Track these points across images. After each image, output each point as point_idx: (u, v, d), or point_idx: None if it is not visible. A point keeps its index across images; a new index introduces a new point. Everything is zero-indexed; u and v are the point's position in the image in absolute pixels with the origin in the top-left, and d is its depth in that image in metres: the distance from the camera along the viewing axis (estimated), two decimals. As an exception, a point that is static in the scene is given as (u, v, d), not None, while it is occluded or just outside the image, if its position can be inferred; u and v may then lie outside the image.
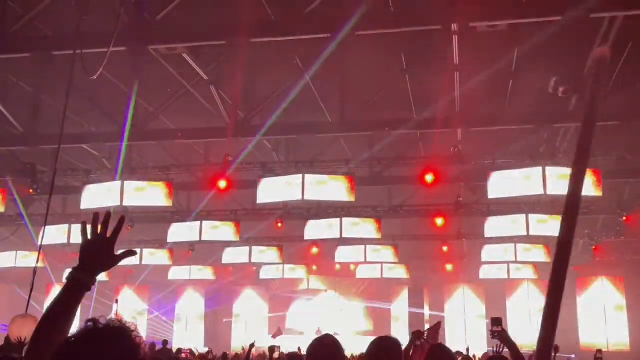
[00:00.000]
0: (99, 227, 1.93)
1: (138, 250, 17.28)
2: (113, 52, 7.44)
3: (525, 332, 22.85)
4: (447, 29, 7.67)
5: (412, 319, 23.00)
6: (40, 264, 20.04)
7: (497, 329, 4.56)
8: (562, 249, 1.61)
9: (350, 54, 8.83)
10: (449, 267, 21.59)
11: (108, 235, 1.94)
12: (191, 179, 14.37)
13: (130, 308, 24.23)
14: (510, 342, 4.46)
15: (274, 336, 14.78)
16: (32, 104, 10.25)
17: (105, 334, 1.62)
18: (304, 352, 4.03)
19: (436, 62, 9.05)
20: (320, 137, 11.89)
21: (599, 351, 9.82)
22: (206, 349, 10.97)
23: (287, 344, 15.92)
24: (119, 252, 1.94)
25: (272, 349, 10.00)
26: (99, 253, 1.90)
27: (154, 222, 16.78)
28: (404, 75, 9.60)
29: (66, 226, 16.14)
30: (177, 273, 23.18)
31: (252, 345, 9.87)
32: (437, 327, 5.96)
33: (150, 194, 13.20)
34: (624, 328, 21.77)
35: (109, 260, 1.91)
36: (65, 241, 16.32)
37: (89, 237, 1.90)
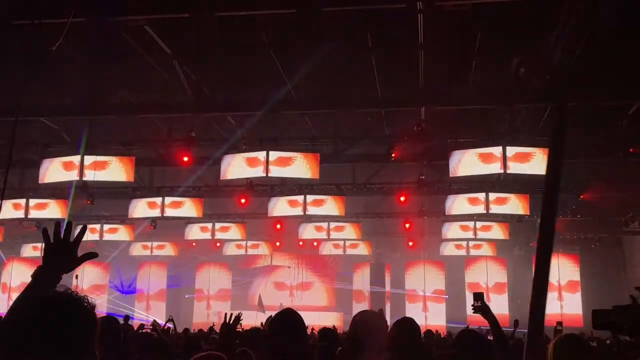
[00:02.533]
0: (61, 234, 2.04)
1: (98, 226, 17.17)
2: (73, 23, 7.28)
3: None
4: (413, 8, 7.71)
5: (374, 296, 23.32)
6: (-4, 239, 19.73)
7: (478, 303, 4.70)
8: (544, 226, 1.68)
9: (317, 30, 8.79)
10: (410, 244, 21.90)
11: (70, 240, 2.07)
12: (153, 155, 14.21)
13: (89, 283, 23.99)
14: (491, 316, 4.59)
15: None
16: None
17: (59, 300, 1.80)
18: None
19: (401, 41, 9.09)
20: (285, 113, 11.86)
21: (559, 323, 10.11)
22: (169, 321, 10.86)
23: (249, 320, 15.99)
24: (81, 254, 2.06)
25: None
26: (62, 256, 2.02)
27: (115, 197, 16.57)
28: (370, 54, 9.61)
29: (23, 200, 15.84)
30: (139, 249, 23.01)
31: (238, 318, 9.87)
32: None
33: (111, 169, 13.06)
34: (577, 303, 22.51)
35: (71, 263, 2.03)
36: (23, 216, 16.02)
37: (51, 241, 2.02)
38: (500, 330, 4.55)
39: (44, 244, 2.03)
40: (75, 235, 2.07)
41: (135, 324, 14.76)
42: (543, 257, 1.71)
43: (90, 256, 2.07)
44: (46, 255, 2.00)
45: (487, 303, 4.74)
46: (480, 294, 4.89)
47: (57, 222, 2.10)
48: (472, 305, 4.73)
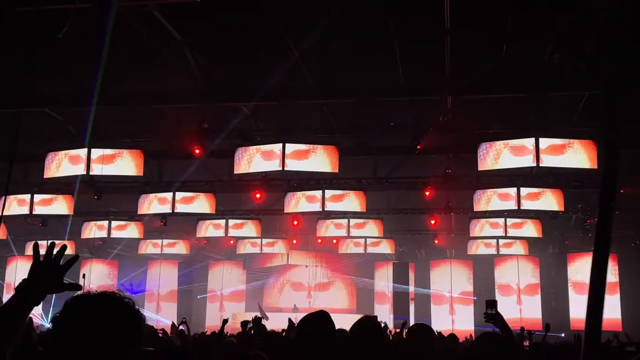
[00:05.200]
0: (53, 254, 2.11)
1: (106, 223, 17.30)
2: (79, 9, 7.36)
3: (512, 311, 23.32)
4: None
5: (396, 296, 23.32)
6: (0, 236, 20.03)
7: (492, 311, 4.67)
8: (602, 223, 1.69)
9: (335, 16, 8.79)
10: (436, 243, 21.83)
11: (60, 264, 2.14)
12: (163, 147, 14.31)
13: (97, 282, 24.26)
14: (504, 326, 4.56)
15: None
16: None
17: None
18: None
19: (426, 25, 9.04)
20: (302, 103, 11.87)
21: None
22: (182, 323, 10.93)
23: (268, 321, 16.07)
24: (67, 282, 2.13)
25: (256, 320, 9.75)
26: (48, 277, 2.09)
27: (124, 192, 16.72)
28: (392, 40, 9.58)
29: (28, 196, 16.05)
30: (148, 247, 23.21)
31: (225, 321, 9.95)
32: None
33: (119, 163, 13.18)
34: (615, 306, 22.23)
35: (54, 287, 2.09)
36: (27, 212, 16.24)
37: (41, 259, 2.09)
38: (514, 339, 4.56)
39: (32, 260, 2.11)
40: (66, 261, 2.13)
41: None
42: (600, 258, 1.71)
43: (75, 287, 2.09)
44: (32, 272, 2.07)
45: (499, 312, 4.71)
46: (493, 301, 4.85)
47: (52, 242, 2.14)
48: (484, 314, 4.70)
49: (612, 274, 22.79)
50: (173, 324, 9.04)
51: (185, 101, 11.83)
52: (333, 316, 3.90)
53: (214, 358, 5.86)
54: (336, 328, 6.68)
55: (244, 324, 9.53)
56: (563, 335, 17.64)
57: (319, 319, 3.72)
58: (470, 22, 8.54)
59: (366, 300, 25.76)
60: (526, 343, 9.81)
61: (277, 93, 11.29)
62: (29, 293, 2.06)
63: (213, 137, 13.34)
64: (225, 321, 10.06)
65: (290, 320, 9.05)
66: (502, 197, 14.90)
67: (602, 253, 1.69)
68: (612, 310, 22.24)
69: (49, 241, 2.24)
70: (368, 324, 3.92)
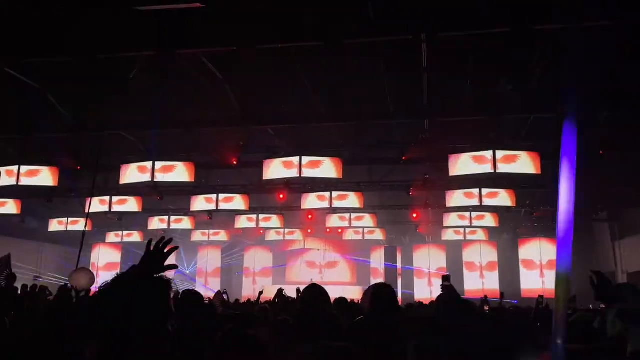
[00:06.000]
0: (161, 246, 2.19)
1: (166, 217, 17.35)
2: (146, 56, 7.41)
3: (476, 283, 23.15)
4: (418, 38, 7.64)
5: (387, 272, 23.21)
6: (87, 228, 20.15)
7: (447, 283, 4.67)
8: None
9: (338, 58, 8.77)
10: (418, 231, 21.76)
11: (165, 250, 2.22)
12: (209, 160, 14.34)
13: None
14: (454, 292, 4.55)
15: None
16: (80, 99, 10.15)
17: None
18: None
19: (409, 64, 9.01)
20: (314, 125, 11.87)
21: (541, 296, 9.90)
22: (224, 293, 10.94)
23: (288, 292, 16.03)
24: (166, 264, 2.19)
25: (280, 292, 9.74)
26: (155, 261, 2.15)
27: (180, 194, 16.78)
28: (382, 75, 9.55)
29: (108, 197, 16.14)
30: (198, 236, 23.27)
31: (260, 293, 9.93)
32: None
33: (176, 172, 13.22)
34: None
35: (160, 268, 2.15)
36: (107, 209, 16.35)
37: (152, 249, 2.16)
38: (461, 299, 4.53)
39: (146, 249, 2.18)
40: (168, 249, 2.20)
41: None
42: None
43: (172, 267, 2.18)
44: (145, 257, 2.15)
45: (451, 284, 4.69)
46: (447, 276, 4.84)
47: (162, 237, 2.25)
48: (441, 285, 4.69)
49: (554, 254, 22.64)
50: (218, 292, 9.04)
51: (225, 125, 11.84)
52: (338, 287, 3.88)
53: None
54: (339, 297, 6.63)
55: (280, 290, 9.56)
56: (516, 302, 17.49)
57: (313, 290, 3.70)
58: (441, 59, 8.50)
59: (364, 275, 25.65)
60: (487, 308, 9.69)
61: (295, 118, 11.29)
62: (140, 270, 2.12)
63: (247, 152, 13.36)
64: (261, 292, 10.08)
65: (297, 289, 9.00)
66: (467, 195, 14.82)
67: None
68: (554, 282, 22.06)
69: (160, 236, 2.34)
70: (386, 286, 3.85)
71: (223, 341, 2.56)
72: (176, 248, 2.29)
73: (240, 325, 2.99)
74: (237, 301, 12.67)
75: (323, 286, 3.73)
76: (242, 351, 2.52)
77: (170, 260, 2.15)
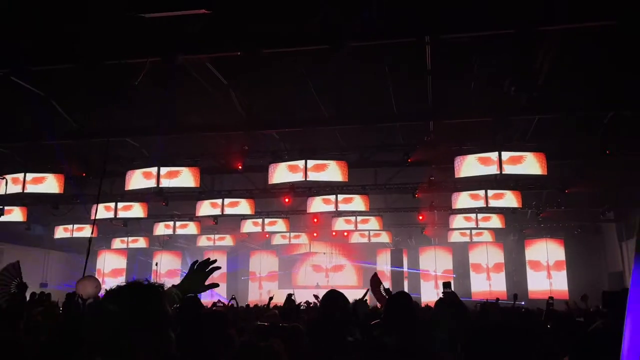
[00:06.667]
0: (204, 265, 2.24)
1: (172, 223, 17.42)
2: (150, 62, 7.45)
3: (483, 285, 23.06)
4: (421, 40, 7.65)
5: (394, 275, 23.17)
6: (93, 235, 20.20)
7: (448, 290, 4.69)
8: None
9: (343, 60, 8.78)
10: (424, 233, 21.72)
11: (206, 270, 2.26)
12: (215, 165, 14.37)
13: (165, 269, 24.37)
14: (456, 298, 4.57)
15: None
16: (86, 106, 10.19)
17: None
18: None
19: (414, 66, 9.01)
20: (319, 129, 11.88)
21: (551, 297, 9.84)
22: (232, 299, 10.96)
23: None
24: (207, 284, 2.26)
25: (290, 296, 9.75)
26: (197, 279, 2.21)
27: (185, 199, 16.81)
28: (387, 78, 9.56)
29: (113, 204, 16.18)
30: (204, 240, 23.29)
31: (270, 298, 9.94)
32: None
33: (181, 177, 13.24)
34: (563, 279, 21.99)
35: (202, 287, 2.22)
36: (112, 216, 16.38)
37: (196, 268, 2.22)
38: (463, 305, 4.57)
39: (190, 268, 2.23)
40: (210, 268, 2.24)
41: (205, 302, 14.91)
42: None
43: (212, 286, 2.24)
44: (188, 274, 2.19)
45: (453, 290, 4.73)
46: (448, 283, 4.86)
47: (208, 258, 2.30)
48: (443, 292, 4.72)
49: (561, 255, 22.56)
50: (231, 304, 9.10)
51: (230, 129, 11.86)
52: (344, 291, 3.91)
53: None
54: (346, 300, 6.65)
55: (289, 295, 9.59)
56: (523, 303, 17.41)
57: (334, 294, 3.73)
58: (446, 62, 8.51)
59: (369, 278, 25.61)
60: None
61: (300, 122, 11.31)
62: (183, 288, 2.14)
63: (252, 156, 13.38)
64: (271, 298, 10.12)
65: (315, 295, 9.03)
66: (473, 197, 14.78)
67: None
68: (561, 283, 21.98)
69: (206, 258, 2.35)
70: (404, 295, 3.86)
71: (239, 355, 2.57)
72: (218, 268, 2.30)
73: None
74: (247, 307, 12.64)
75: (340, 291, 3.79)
76: None
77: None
